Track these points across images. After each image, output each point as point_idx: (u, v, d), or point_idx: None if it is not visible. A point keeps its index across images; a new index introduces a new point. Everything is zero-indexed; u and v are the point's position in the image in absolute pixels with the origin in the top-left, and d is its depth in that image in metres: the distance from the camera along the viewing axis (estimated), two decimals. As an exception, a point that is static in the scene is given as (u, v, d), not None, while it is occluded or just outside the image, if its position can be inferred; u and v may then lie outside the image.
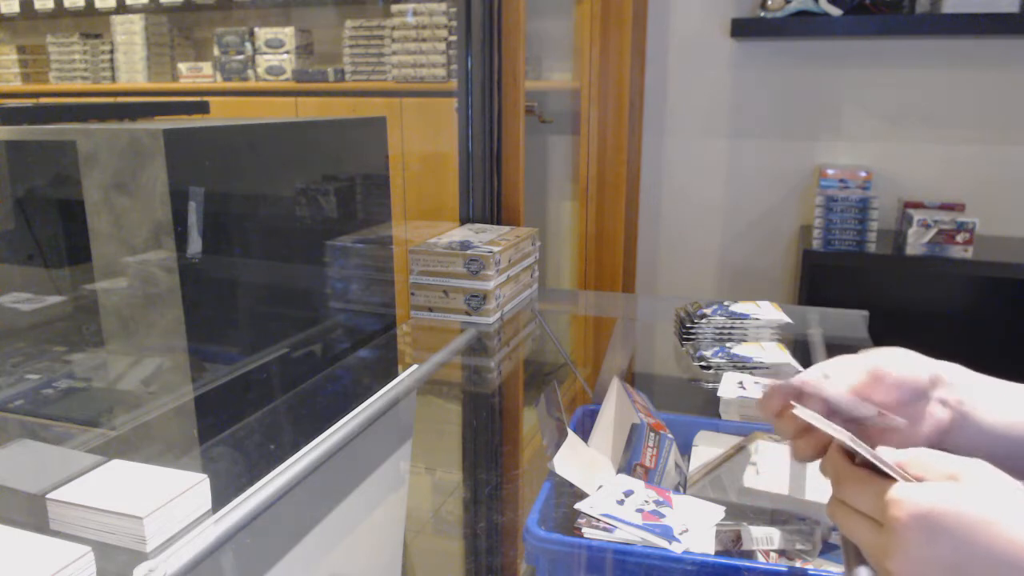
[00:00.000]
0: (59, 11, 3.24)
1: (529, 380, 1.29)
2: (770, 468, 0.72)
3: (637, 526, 0.65)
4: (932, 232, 2.06)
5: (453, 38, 2.58)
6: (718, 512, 0.68)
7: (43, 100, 3.30)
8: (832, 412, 0.54)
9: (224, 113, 1.39)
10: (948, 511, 0.42)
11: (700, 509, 0.68)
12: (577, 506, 0.68)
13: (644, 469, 0.74)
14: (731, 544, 0.67)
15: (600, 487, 0.71)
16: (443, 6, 2.60)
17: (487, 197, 1.61)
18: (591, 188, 2.41)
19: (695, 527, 0.66)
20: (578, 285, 2.53)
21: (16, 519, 0.66)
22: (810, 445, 0.55)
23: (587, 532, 0.65)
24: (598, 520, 0.66)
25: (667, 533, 0.64)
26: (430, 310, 1.36)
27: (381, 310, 1.31)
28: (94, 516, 0.64)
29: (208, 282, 0.90)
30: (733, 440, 0.82)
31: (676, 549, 0.63)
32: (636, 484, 0.72)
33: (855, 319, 1.41)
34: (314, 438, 0.85)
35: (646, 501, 0.69)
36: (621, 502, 0.69)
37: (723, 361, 1.14)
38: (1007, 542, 0.40)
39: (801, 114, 2.40)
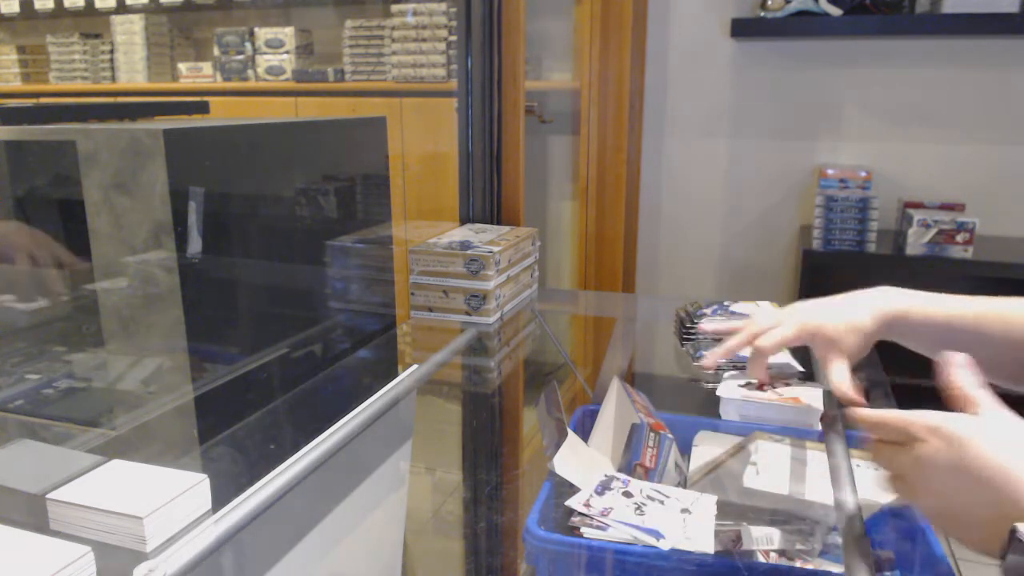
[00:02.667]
0: (59, 11, 3.24)
1: (529, 380, 1.29)
2: (770, 468, 0.72)
3: (630, 524, 0.65)
4: (932, 232, 2.06)
5: (453, 38, 2.58)
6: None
7: (43, 100, 3.30)
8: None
9: (224, 113, 1.39)
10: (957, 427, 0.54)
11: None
12: (568, 503, 0.68)
13: (644, 469, 0.74)
14: (731, 544, 0.67)
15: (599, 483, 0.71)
16: (443, 6, 2.60)
17: (487, 197, 1.61)
18: (591, 188, 2.41)
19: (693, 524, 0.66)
20: (578, 285, 2.53)
21: (16, 519, 0.66)
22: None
23: (586, 532, 0.65)
24: (591, 518, 0.66)
25: (656, 532, 0.64)
26: (430, 310, 1.36)
27: (381, 310, 1.31)
28: (94, 516, 0.64)
29: (208, 282, 0.90)
30: (733, 440, 0.82)
31: (664, 546, 0.63)
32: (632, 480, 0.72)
33: (855, 319, 1.41)
34: (314, 438, 0.85)
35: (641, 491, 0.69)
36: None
37: (723, 361, 1.13)
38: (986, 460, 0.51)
39: (801, 114, 2.40)
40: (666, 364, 1.33)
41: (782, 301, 1.33)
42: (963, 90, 2.25)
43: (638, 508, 0.68)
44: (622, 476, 0.73)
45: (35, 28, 3.54)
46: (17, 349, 1.01)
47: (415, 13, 2.63)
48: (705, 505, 0.68)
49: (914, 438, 0.55)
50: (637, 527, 0.65)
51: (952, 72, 2.25)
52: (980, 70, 2.23)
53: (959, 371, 0.60)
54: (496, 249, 1.33)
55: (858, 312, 0.83)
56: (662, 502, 0.68)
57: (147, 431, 0.90)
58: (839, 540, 0.66)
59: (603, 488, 0.70)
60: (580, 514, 0.67)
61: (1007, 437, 0.52)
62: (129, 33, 3.14)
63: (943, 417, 0.55)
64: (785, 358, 1.14)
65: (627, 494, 0.70)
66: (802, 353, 1.20)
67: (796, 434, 0.82)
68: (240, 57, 2.98)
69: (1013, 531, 0.46)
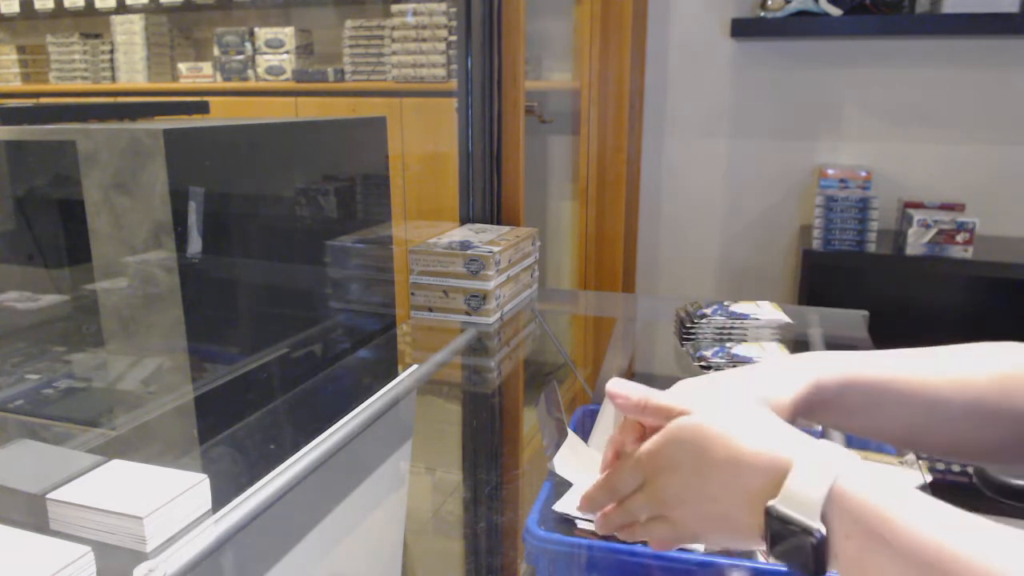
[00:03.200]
0: (59, 11, 3.24)
1: (529, 380, 1.29)
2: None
3: None
4: (932, 232, 2.06)
5: (453, 38, 2.58)
6: None
7: (43, 100, 3.30)
8: None
9: (224, 113, 1.39)
10: (683, 431, 0.51)
11: None
12: (555, 507, 0.68)
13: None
14: (731, 544, 0.67)
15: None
16: (443, 6, 2.60)
17: (487, 197, 1.61)
18: (591, 188, 2.41)
19: None
20: (578, 285, 2.53)
21: (16, 519, 0.66)
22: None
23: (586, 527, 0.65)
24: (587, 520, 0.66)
25: None
26: (430, 310, 1.36)
27: (381, 310, 1.31)
28: (94, 516, 0.64)
29: (208, 282, 0.90)
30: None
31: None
32: None
33: (855, 319, 1.41)
34: (314, 438, 0.85)
35: None
36: None
37: (723, 361, 1.14)
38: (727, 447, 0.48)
39: (801, 114, 2.40)
40: (666, 364, 1.33)
41: (782, 301, 1.33)
42: (963, 90, 2.25)
43: None
44: None
45: (35, 28, 3.53)
46: (17, 349, 1.01)
47: (415, 13, 2.63)
48: None
49: (648, 470, 0.52)
50: None
51: (952, 72, 2.25)
52: (980, 70, 2.23)
53: (626, 389, 0.56)
54: (496, 249, 1.33)
55: (773, 386, 0.55)
56: None
57: (147, 431, 0.90)
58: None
59: None
60: (577, 517, 0.67)
61: (727, 417, 0.50)
62: (129, 33, 3.14)
63: (667, 429, 0.51)
64: (784, 355, 1.14)
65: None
66: (802, 352, 1.20)
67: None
68: (240, 57, 2.98)
69: (769, 512, 0.44)
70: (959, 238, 2.04)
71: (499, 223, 1.63)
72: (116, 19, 3.15)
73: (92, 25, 3.31)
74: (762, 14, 2.23)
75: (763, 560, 0.66)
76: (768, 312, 1.23)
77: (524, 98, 1.61)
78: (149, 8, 3.13)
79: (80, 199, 0.86)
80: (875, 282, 2.37)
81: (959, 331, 2.35)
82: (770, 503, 0.44)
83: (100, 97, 3.19)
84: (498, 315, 1.36)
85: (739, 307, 1.25)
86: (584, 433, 0.87)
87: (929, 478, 0.79)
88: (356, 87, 2.76)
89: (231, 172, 0.95)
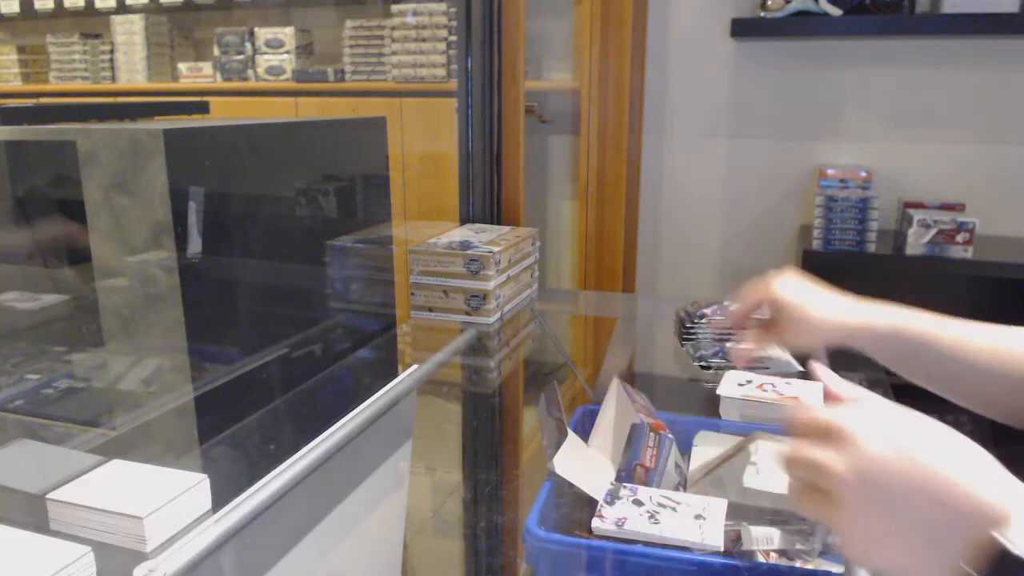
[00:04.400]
0: (59, 11, 3.24)
1: (529, 380, 1.29)
2: (770, 468, 0.72)
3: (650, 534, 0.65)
4: (932, 232, 2.06)
5: (453, 38, 2.58)
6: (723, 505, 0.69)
7: (43, 100, 3.30)
8: None
9: (224, 113, 1.39)
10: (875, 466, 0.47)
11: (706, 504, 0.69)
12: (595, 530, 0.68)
13: (644, 469, 0.74)
14: (731, 544, 0.67)
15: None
16: (443, 6, 2.60)
17: (487, 197, 1.61)
18: (591, 188, 2.41)
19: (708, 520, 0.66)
20: (578, 285, 2.53)
21: (16, 519, 0.66)
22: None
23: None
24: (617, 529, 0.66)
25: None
26: (430, 310, 1.36)
27: (381, 310, 1.31)
28: (94, 516, 0.64)
29: (208, 282, 0.90)
30: (733, 440, 0.82)
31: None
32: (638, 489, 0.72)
33: (855, 319, 1.41)
34: (314, 438, 0.85)
35: (651, 498, 0.69)
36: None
37: (723, 361, 1.14)
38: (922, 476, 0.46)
39: (801, 114, 2.40)
40: (666, 364, 1.33)
41: (782, 301, 1.32)
42: (963, 90, 2.25)
43: (652, 516, 0.67)
44: (629, 485, 0.72)
45: (35, 28, 3.53)
46: (17, 349, 1.01)
47: (415, 13, 2.63)
48: (717, 509, 0.68)
49: (848, 443, 0.48)
50: (660, 536, 0.65)
51: (952, 72, 2.25)
52: (980, 70, 2.23)
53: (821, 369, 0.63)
54: (496, 249, 1.33)
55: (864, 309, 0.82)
56: (674, 508, 0.68)
57: (147, 431, 0.90)
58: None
59: (612, 497, 0.70)
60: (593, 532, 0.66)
61: (947, 440, 0.47)
62: (129, 33, 3.14)
63: (881, 417, 0.49)
64: (784, 357, 1.15)
65: (637, 502, 0.69)
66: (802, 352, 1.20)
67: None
68: (240, 57, 2.98)
69: (995, 544, 0.41)
70: (959, 238, 2.04)
71: (499, 223, 1.63)
72: (116, 19, 3.15)
73: (92, 25, 3.31)
74: (762, 14, 2.23)
75: (763, 560, 0.66)
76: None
77: (524, 98, 1.61)
78: (149, 8, 3.13)
79: (80, 199, 0.86)
80: (875, 282, 2.36)
81: (959, 331, 2.34)
82: (996, 534, 0.41)
83: (100, 97, 3.19)
84: (498, 315, 1.36)
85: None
86: (584, 433, 0.87)
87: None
88: (356, 87, 2.76)
89: (231, 172, 0.95)
